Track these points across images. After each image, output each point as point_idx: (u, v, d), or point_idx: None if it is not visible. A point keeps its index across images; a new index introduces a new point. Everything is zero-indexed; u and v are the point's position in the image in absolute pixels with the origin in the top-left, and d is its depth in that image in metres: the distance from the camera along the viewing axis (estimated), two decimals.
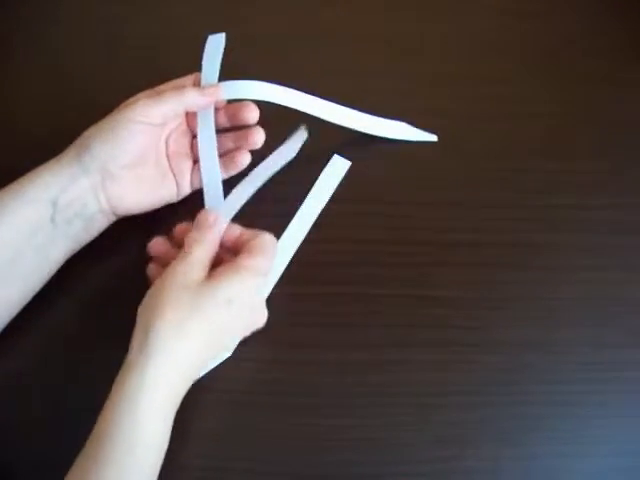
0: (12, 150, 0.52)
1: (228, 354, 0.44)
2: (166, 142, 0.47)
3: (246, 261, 0.40)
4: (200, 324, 0.38)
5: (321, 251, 0.49)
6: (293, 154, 0.49)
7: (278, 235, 0.48)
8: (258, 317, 0.43)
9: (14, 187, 0.42)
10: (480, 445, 0.43)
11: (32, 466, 0.41)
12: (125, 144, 0.43)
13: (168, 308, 0.37)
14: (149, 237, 0.44)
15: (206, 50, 0.48)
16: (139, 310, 0.38)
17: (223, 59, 0.47)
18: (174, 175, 0.47)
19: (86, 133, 0.44)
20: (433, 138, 0.53)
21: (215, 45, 0.48)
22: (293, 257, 0.48)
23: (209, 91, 0.45)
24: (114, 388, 0.36)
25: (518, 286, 0.48)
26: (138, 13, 0.60)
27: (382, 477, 0.42)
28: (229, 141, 0.48)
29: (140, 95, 0.46)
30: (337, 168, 0.52)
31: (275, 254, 0.42)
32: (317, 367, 0.45)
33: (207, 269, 0.40)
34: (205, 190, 0.44)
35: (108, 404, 0.36)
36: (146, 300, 0.39)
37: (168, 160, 0.47)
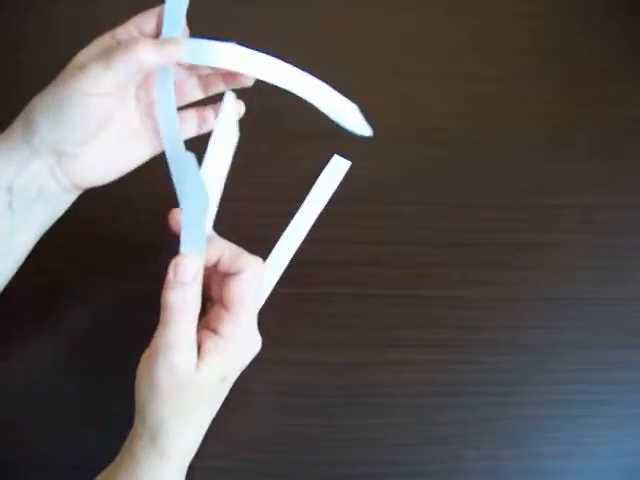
0: None
1: None
2: (136, 95, 0.41)
3: (227, 329, 0.37)
4: (203, 409, 0.38)
5: (321, 251, 0.49)
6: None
7: (278, 235, 0.49)
8: (254, 351, 0.40)
9: None
10: (480, 445, 0.43)
11: (33, 466, 0.42)
12: (76, 122, 0.37)
13: (171, 409, 0.36)
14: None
15: None
16: (136, 398, 0.37)
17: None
18: (150, 128, 0.41)
19: (30, 106, 0.38)
20: (367, 132, 0.44)
21: None
22: (293, 257, 0.48)
23: (167, 49, 0.37)
24: (126, 471, 0.36)
25: (518, 286, 0.48)
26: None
27: (382, 477, 0.42)
28: (219, 82, 0.42)
29: (91, 49, 0.39)
30: (337, 168, 0.52)
31: (259, 286, 0.39)
32: (317, 367, 0.45)
33: (195, 339, 0.37)
34: (176, 183, 0.38)
35: None
36: (142, 392, 0.36)
37: (140, 114, 0.41)
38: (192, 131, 0.42)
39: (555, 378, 0.45)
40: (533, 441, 0.43)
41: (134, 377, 0.38)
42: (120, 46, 0.36)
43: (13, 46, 0.58)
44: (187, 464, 0.38)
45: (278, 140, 0.50)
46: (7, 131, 0.38)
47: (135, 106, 0.41)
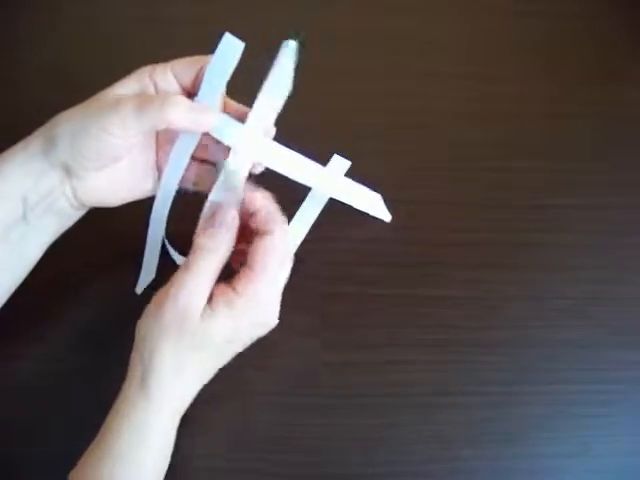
0: None
1: None
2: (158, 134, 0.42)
3: (243, 286, 0.37)
4: (200, 364, 0.38)
5: (321, 251, 0.49)
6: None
7: None
8: (267, 325, 0.40)
9: None
10: (480, 445, 0.43)
11: (33, 466, 0.42)
12: (92, 153, 0.38)
13: (168, 348, 0.36)
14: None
15: (217, 52, 0.38)
16: (137, 335, 0.37)
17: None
18: (160, 164, 0.42)
19: (55, 121, 0.38)
20: (387, 218, 0.49)
21: (229, 50, 0.38)
22: (293, 257, 0.48)
23: (200, 118, 0.38)
24: (115, 419, 0.36)
25: (518, 286, 0.48)
26: (142, 16, 0.60)
27: (382, 477, 0.42)
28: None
29: (129, 84, 0.40)
30: (337, 168, 0.52)
31: (284, 254, 0.39)
32: (317, 367, 0.45)
33: (211, 287, 0.37)
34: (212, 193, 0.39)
35: (110, 432, 0.36)
36: (144, 326, 0.37)
37: (160, 150, 0.42)
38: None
39: (555, 378, 0.45)
40: (533, 441, 0.43)
41: None
42: (156, 100, 0.37)
43: (9, 44, 0.58)
44: (177, 421, 0.38)
45: (277, 140, 0.50)
46: (25, 142, 0.39)
47: (153, 144, 0.42)
